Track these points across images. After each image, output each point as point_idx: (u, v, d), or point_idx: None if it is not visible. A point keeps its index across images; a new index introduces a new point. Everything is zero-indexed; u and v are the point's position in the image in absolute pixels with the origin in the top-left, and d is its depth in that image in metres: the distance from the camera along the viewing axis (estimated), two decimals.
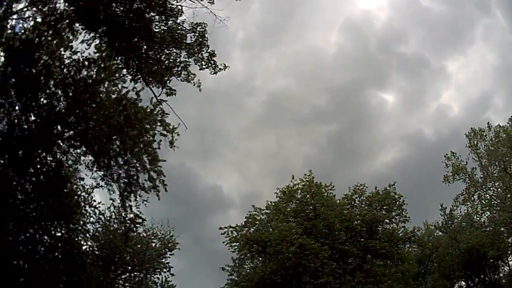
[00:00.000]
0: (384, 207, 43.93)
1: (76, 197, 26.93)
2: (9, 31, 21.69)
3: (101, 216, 33.36)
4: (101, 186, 27.30)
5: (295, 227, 40.40)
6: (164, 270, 41.99)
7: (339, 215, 42.00)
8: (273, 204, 43.66)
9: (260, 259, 42.94)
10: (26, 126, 22.81)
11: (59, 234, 25.62)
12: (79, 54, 23.09)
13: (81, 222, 28.28)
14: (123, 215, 29.59)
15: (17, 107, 22.62)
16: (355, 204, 44.71)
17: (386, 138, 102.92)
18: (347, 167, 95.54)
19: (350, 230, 42.70)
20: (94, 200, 31.06)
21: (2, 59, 21.62)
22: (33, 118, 23.21)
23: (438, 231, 53.67)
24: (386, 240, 42.43)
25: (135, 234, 36.25)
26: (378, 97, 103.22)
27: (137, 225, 30.28)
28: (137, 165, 25.80)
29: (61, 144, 24.74)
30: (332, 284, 37.59)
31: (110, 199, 27.41)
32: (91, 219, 31.69)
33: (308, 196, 43.59)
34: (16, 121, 22.39)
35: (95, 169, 26.28)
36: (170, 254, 42.18)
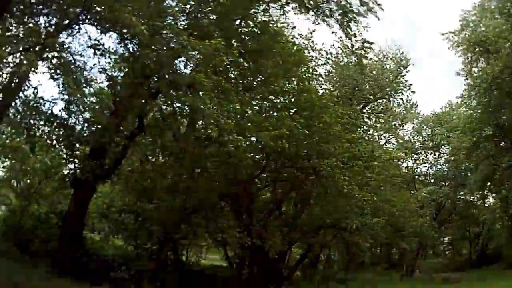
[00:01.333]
0: None
1: (295, 47, 24.27)
2: None
3: (328, 56, 32.82)
4: (318, 23, 24.66)
5: (505, 24, 34.41)
6: (404, 89, 38.53)
7: None
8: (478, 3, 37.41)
9: (483, 59, 37.73)
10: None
11: (288, 86, 23.64)
12: None
13: (310, 69, 26.25)
14: (349, 46, 26.65)
15: None
16: None
17: None
18: None
19: None
20: (316, 44, 30.34)
21: None
22: None
23: None
24: None
25: (368, 61, 33.28)
26: None
27: (367, 50, 27.25)
28: None
29: (259, 3, 22.21)
30: None
31: (332, 32, 24.59)
32: (320, 61, 31.16)
33: None
34: None
35: (303, 11, 23.74)
36: (406, 72, 38.29)
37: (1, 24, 16.47)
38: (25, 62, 15.13)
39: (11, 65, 18.62)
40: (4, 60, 17.25)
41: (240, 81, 20.64)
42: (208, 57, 16.23)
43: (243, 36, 21.29)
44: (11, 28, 17.15)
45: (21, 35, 16.85)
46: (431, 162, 53.59)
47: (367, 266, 44.93)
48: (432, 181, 53.40)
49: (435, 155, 53.10)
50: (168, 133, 23.25)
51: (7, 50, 16.73)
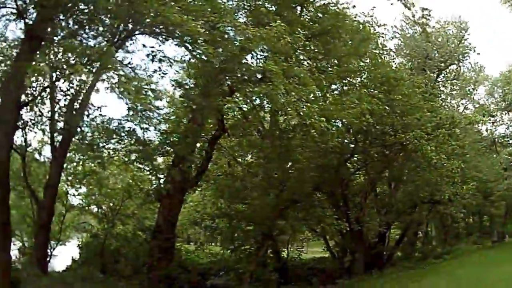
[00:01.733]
0: None
1: (360, 25, 22.44)
2: None
3: (394, 29, 32.86)
4: None
5: None
6: (470, 52, 36.26)
7: None
8: None
9: None
10: None
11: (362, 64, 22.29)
12: None
13: (379, 45, 24.35)
14: (411, 17, 27.26)
15: None
16: None
17: None
18: None
19: None
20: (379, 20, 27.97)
21: None
22: None
23: None
24: None
25: (431, 29, 32.77)
26: None
27: (428, 18, 27.47)
28: None
29: None
30: None
31: (391, 4, 25.24)
32: (387, 36, 29.43)
33: None
34: None
35: None
36: (468, 35, 36.16)
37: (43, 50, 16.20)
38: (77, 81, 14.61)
39: (64, 89, 18.30)
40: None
41: (315, 65, 19.41)
42: (272, 42, 15.08)
43: (305, 22, 20.04)
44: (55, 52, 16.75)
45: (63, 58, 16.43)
46: (507, 123, 50.65)
47: (462, 237, 42.66)
48: (511, 142, 50.51)
49: (509, 115, 50.12)
50: (252, 131, 22.27)
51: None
